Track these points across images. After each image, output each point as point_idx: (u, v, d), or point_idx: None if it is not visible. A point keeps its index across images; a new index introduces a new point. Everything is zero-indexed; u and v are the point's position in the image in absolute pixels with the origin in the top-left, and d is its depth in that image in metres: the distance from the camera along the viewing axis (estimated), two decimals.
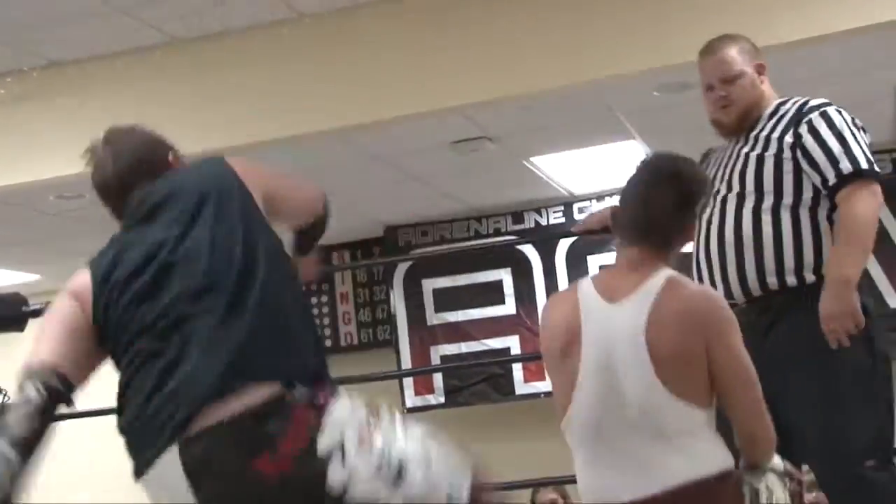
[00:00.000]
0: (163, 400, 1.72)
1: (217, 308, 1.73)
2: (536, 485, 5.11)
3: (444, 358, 7.13)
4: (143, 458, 1.77)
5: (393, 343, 7.19)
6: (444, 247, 7.22)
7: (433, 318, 7.17)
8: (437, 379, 7.07)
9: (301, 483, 1.65)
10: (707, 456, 2.13)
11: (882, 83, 5.25)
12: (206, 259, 1.79)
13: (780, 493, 2.17)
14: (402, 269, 7.21)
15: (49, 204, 5.86)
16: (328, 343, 7.51)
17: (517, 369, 6.89)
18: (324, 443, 1.67)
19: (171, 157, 2.09)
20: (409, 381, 7.10)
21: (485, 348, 6.98)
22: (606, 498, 2.14)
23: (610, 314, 2.20)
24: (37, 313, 4.09)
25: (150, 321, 1.79)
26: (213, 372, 1.68)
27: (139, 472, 1.78)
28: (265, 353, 1.73)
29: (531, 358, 7.13)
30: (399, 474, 1.71)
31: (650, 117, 5.30)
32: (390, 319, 7.28)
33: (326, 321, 7.57)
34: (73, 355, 1.88)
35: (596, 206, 6.92)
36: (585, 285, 2.29)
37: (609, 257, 6.87)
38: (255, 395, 1.67)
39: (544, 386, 6.82)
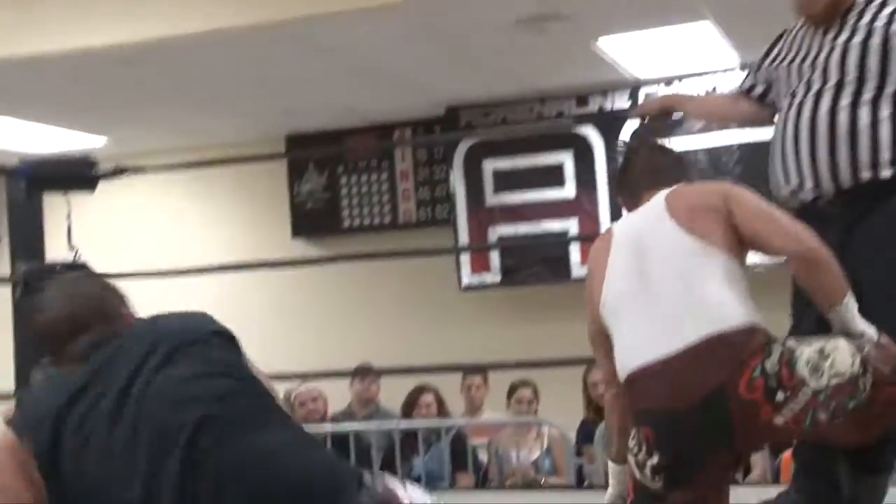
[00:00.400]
0: None
1: None
2: (588, 363, 5.16)
3: (501, 238, 7.17)
4: None
5: (451, 222, 7.23)
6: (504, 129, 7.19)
7: (492, 198, 7.18)
8: (494, 258, 7.12)
9: None
10: (732, 310, 2.15)
11: None
12: None
13: (843, 360, 2.03)
14: (462, 149, 7.20)
15: (113, 70, 5.91)
16: (387, 219, 7.60)
17: (574, 252, 6.90)
18: None
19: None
20: (465, 260, 7.16)
21: (543, 230, 7.00)
22: (635, 362, 2.18)
23: (632, 217, 2.47)
24: (107, 176, 4.19)
25: None
26: None
27: None
28: None
29: (589, 239, 7.16)
30: None
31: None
32: (449, 198, 7.31)
33: (386, 198, 7.63)
34: None
35: (664, 91, 6.81)
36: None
37: (673, 143, 6.80)
38: None
39: None
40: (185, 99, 6.74)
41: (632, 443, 2.18)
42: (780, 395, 2.04)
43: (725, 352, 2.08)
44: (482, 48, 5.96)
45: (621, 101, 6.93)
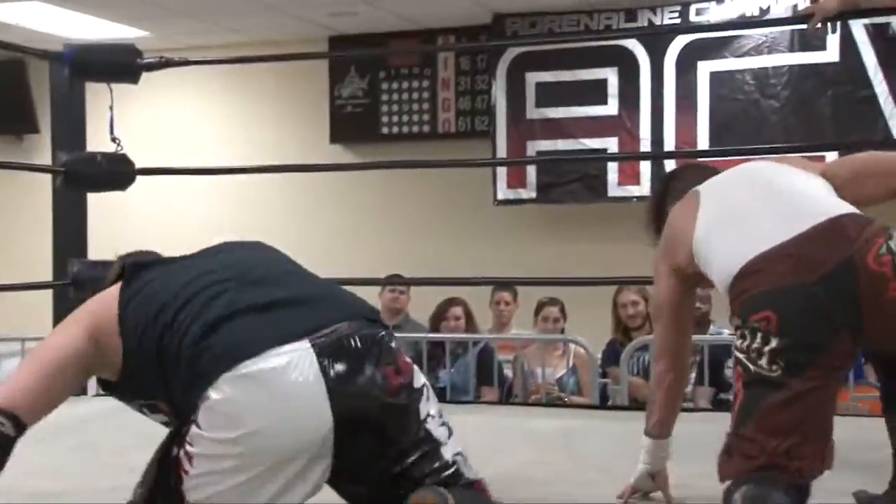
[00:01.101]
0: None
1: None
2: (620, 283, 5.15)
3: (539, 153, 7.10)
4: None
5: (490, 134, 7.17)
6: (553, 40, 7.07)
7: (533, 112, 7.10)
8: (531, 174, 7.07)
9: (404, 400, 1.92)
10: (846, 205, 2.17)
11: None
12: None
13: None
14: (506, 59, 7.11)
15: None
16: (426, 129, 7.55)
17: (612, 171, 6.84)
18: (417, 379, 1.96)
19: None
20: (502, 174, 7.12)
21: (582, 147, 6.93)
22: (753, 252, 2.09)
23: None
24: (151, 66, 4.17)
25: None
26: None
27: None
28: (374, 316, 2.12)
29: (628, 158, 7.08)
30: (450, 429, 1.99)
31: None
32: (489, 110, 7.24)
33: (426, 106, 7.57)
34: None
35: (714, 8, 6.65)
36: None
37: (721, 63, 6.68)
38: None
39: (637, 190, 6.80)
40: None
41: (742, 338, 2.06)
42: None
43: (850, 230, 2.05)
44: None
45: (671, 17, 6.78)
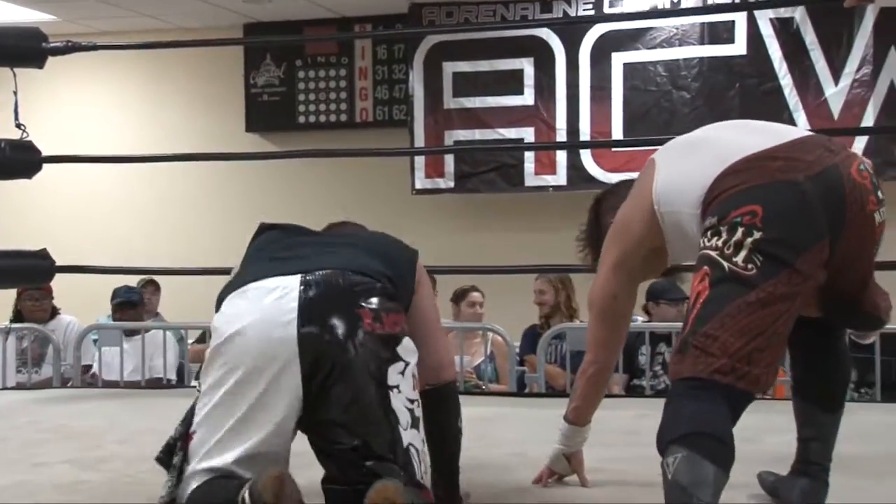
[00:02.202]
0: None
1: None
2: (537, 271, 5.20)
3: (457, 143, 7.11)
4: None
5: (408, 124, 7.15)
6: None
7: (450, 101, 7.10)
8: (449, 163, 7.07)
9: (375, 348, 2.01)
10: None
11: None
12: None
13: None
14: (423, 49, 7.09)
15: None
16: (343, 118, 7.50)
17: (529, 160, 6.88)
18: (402, 349, 2.05)
19: None
20: (420, 163, 7.11)
21: (499, 136, 6.95)
22: (744, 152, 2.04)
23: None
24: (57, 51, 4.04)
25: None
26: None
27: None
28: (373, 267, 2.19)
29: (545, 147, 7.13)
30: (418, 422, 2.05)
31: None
32: (407, 100, 7.22)
33: (343, 95, 7.52)
34: None
35: (628, 1, 6.72)
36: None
37: (634, 55, 6.75)
38: None
39: (553, 179, 6.86)
40: None
41: (717, 236, 1.96)
42: (880, 194, 2.04)
43: (832, 145, 2.07)
44: None
45: (586, 8, 6.84)
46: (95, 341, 5.27)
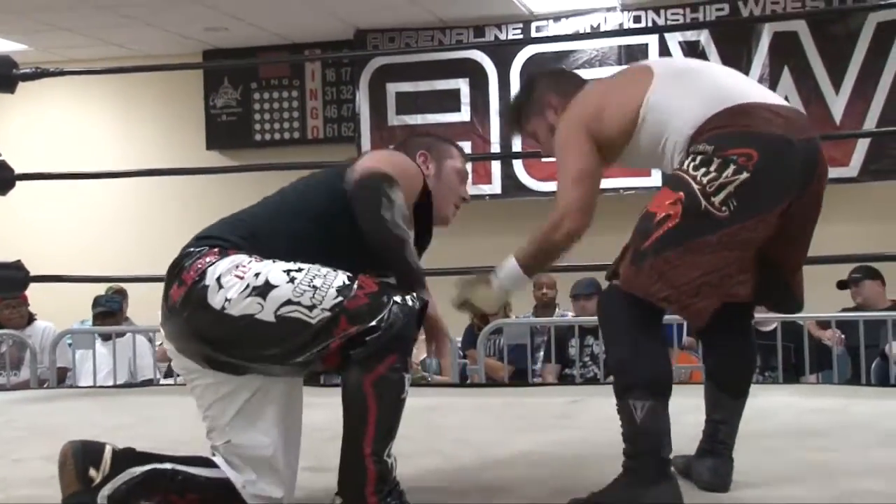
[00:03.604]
0: None
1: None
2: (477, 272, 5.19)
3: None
4: None
5: (355, 140, 7.14)
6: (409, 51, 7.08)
7: (394, 119, 7.11)
8: None
9: (192, 302, 1.90)
10: None
11: None
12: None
13: None
14: (368, 71, 7.10)
15: None
16: (296, 135, 7.47)
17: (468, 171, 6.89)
18: (208, 275, 1.89)
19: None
20: None
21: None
22: (754, 97, 2.01)
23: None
24: (26, 76, 3.96)
25: None
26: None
27: None
28: (209, 233, 2.03)
29: (481, 158, 7.17)
30: (266, 286, 1.85)
31: None
32: (354, 118, 7.21)
33: (296, 114, 7.50)
34: None
35: (553, 26, 6.78)
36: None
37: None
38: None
39: (489, 188, 6.90)
40: (112, 10, 6.43)
41: (706, 165, 1.91)
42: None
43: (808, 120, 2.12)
44: None
45: (515, 33, 6.88)
46: (70, 345, 5.18)
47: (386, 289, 1.87)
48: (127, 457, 1.92)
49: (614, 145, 2.14)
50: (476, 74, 6.93)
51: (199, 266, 1.90)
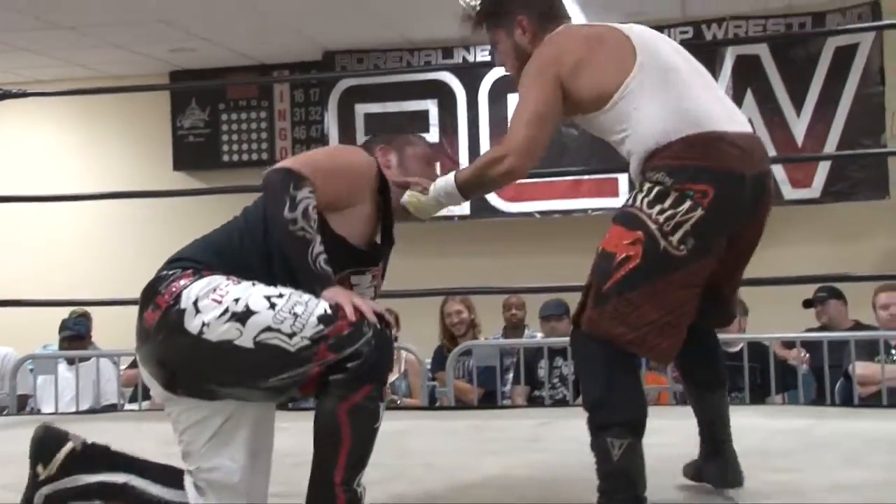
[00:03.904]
0: None
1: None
2: (446, 293, 5.20)
3: None
4: None
5: None
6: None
7: (363, 140, 7.08)
8: None
9: (168, 326, 1.89)
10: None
11: None
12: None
13: None
14: (337, 92, 7.09)
15: None
16: (265, 156, 7.44)
17: None
18: (184, 299, 1.89)
19: None
20: None
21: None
22: (721, 125, 2.00)
23: (629, 25, 2.16)
24: None
25: None
26: None
27: None
28: (181, 255, 2.04)
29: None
30: (246, 313, 1.85)
31: None
32: (323, 139, 7.19)
33: (264, 136, 7.47)
34: None
35: None
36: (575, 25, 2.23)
37: None
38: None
39: (458, 209, 6.89)
40: (75, 31, 6.38)
41: (662, 198, 1.93)
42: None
43: (765, 150, 2.13)
44: None
45: (482, 55, 6.92)
46: (32, 370, 5.10)
47: (362, 317, 1.86)
48: (87, 459, 1.93)
49: (577, 107, 2.12)
50: (445, 96, 6.94)
51: (174, 289, 1.90)
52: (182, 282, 1.90)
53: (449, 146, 6.96)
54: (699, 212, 1.92)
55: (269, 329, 1.83)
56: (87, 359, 5.01)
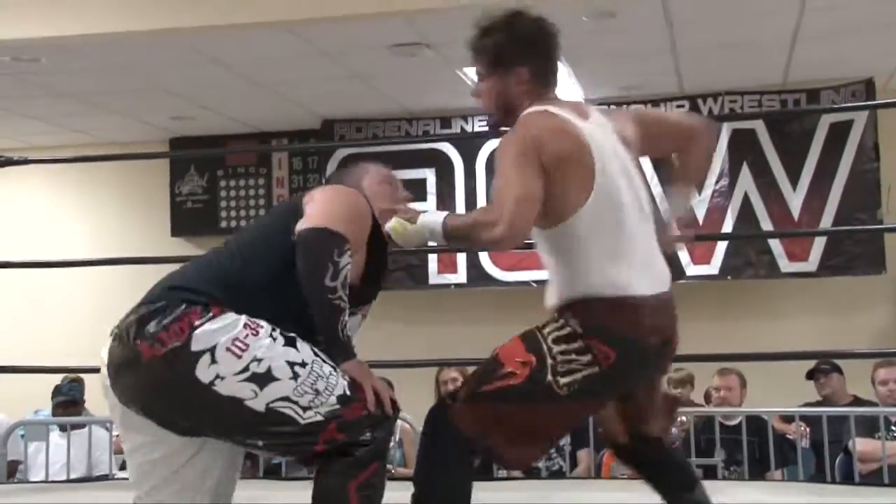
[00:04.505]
0: None
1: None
2: (442, 364, 5.17)
3: None
4: None
5: None
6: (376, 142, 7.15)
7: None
8: None
9: (176, 367, 1.83)
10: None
11: None
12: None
13: None
14: (335, 160, 7.13)
15: (5, 65, 5.60)
16: None
17: (432, 261, 6.91)
18: (195, 342, 1.83)
19: None
20: None
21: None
22: (643, 289, 2.02)
23: (592, 129, 2.11)
24: None
25: None
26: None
27: None
28: (181, 283, 2.01)
29: (446, 250, 7.19)
30: (266, 378, 1.82)
31: (576, 40, 5.26)
32: None
33: (262, 202, 7.50)
34: None
35: None
36: (557, 110, 2.13)
37: None
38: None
39: (455, 278, 6.89)
40: (76, 98, 6.44)
41: (569, 342, 1.99)
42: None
43: (674, 308, 2.13)
44: (358, 68, 5.92)
45: (480, 125, 6.99)
46: (23, 437, 5.03)
47: (380, 405, 1.90)
48: None
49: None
50: (442, 165, 6.99)
51: (182, 328, 1.84)
52: (192, 320, 1.85)
53: None
54: (595, 369, 1.99)
55: (286, 399, 1.82)
56: (80, 426, 4.94)
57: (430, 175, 7.03)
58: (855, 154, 6.27)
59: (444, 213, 2.17)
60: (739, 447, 4.27)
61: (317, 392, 1.83)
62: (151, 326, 1.87)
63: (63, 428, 4.87)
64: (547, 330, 2.04)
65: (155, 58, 5.55)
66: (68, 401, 5.27)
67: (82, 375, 5.94)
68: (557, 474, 4.54)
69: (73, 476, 4.64)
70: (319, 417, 1.82)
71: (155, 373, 1.84)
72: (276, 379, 1.82)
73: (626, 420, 2.19)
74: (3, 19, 5.06)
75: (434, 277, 6.93)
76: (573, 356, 1.99)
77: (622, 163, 2.11)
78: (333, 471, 1.83)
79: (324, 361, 1.88)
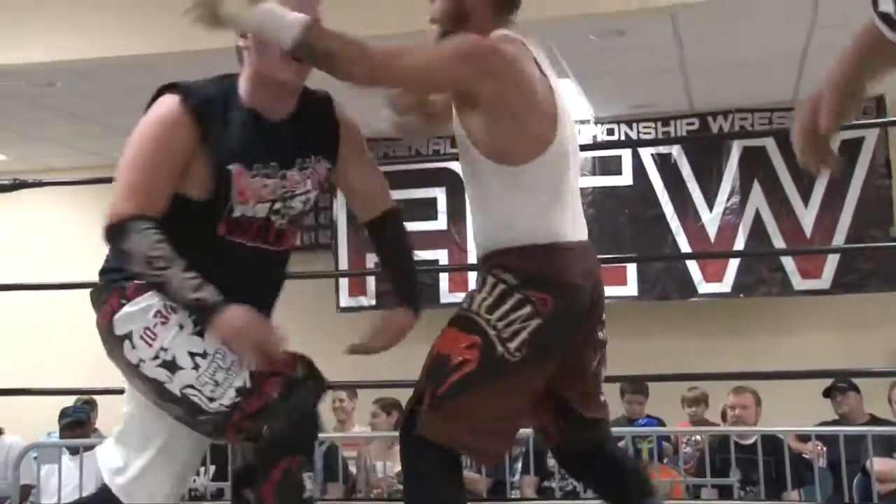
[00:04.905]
0: None
1: None
2: None
3: (377, 265, 7.07)
4: None
5: (332, 247, 7.14)
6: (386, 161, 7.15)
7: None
8: (371, 283, 7.05)
9: (112, 347, 1.99)
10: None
11: None
12: None
13: None
14: None
15: (21, 89, 5.63)
16: None
17: (444, 280, 6.90)
18: (117, 326, 1.97)
19: None
20: (344, 283, 7.08)
21: (416, 259, 6.95)
22: (576, 235, 2.02)
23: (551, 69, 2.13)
24: (4, 188, 3.95)
25: None
26: None
27: None
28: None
29: (458, 269, 7.18)
30: (173, 365, 1.90)
31: (585, 59, 5.25)
32: (332, 225, 7.23)
33: None
34: None
35: None
36: (533, 47, 2.09)
37: None
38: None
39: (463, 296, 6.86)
40: (91, 121, 6.47)
41: (503, 299, 1.94)
42: (603, 315, 2.14)
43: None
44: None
45: None
46: (36, 459, 5.02)
47: (285, 390, 1.88)
48: None
49: (475, 132, 2.03)
50: (453, 183, 6.98)
51: (109, 309, 1.99)
52: (113, 305, 1.98)
53: (457, 233, 6.97)
54: (539, 320, 1.94)
55: (192, 387, 1.88)
56: (90, 447, 4.93)
57: (440, 194, 7.03)
58: (867, 171, 6.25)
59: (306, 18, 1.95)
60: (755, 467, 4.23)
61: (216, 383, 1.86)
62: (96, 300, 2.07)
63: (74, 451, 4.85)
64: (475, 305, 1.98)
65: (170, 80, 5.56)
66: (74, 422, 5.26)
67: (96, 397, 5.95)
68: (571, 495, 4.49)
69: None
70: (223, 408, 1.85)
71: (106, 345, 2.00)
72: (181, 367, 1.89)
73: (565, 411, 2.09)
74: (20, 44, 5.09)
75: (445, 296, 6.90)
76: (512, 315, 1.94)
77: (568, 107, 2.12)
78: (253, 476, 1.88)
79: (226, 353, 1.89)
